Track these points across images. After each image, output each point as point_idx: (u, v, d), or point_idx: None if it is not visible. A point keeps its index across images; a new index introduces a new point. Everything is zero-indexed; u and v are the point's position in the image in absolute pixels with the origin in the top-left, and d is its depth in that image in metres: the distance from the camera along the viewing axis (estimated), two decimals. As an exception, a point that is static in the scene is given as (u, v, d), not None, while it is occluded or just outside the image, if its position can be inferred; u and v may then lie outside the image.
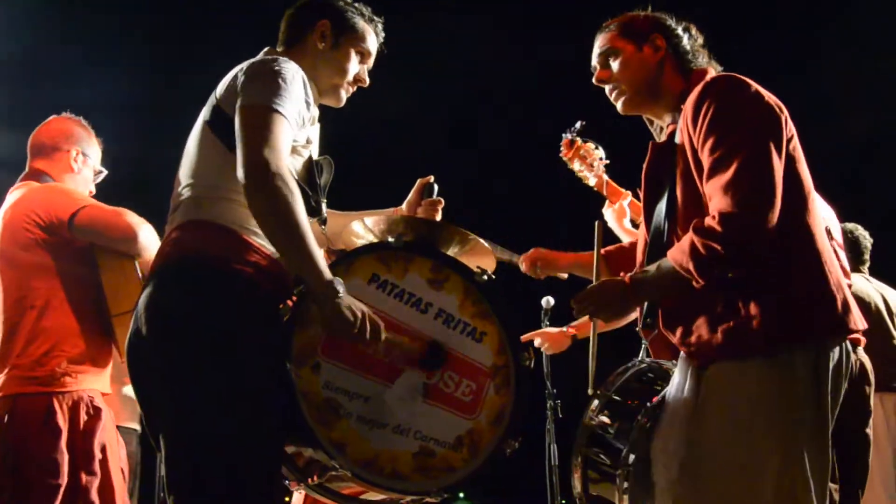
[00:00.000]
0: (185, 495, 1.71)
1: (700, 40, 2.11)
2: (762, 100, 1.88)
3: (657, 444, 1.87)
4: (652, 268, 1.90)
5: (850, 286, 2.01)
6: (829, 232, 1.98)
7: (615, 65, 2.08)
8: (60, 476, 2.37)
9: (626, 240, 2.78)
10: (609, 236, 2.80)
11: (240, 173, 1.73)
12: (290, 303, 1.83)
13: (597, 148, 2.94)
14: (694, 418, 1.83)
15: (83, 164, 2.76)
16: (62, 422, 2.41)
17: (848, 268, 2.62)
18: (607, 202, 2.98)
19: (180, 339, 1.75)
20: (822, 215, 1.98)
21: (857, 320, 1.84)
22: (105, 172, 2.86)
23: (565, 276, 2.71)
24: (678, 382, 1.90)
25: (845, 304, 1.83)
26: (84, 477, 2.42)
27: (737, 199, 1.74)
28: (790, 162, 1.85)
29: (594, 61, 2.14)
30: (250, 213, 1.79)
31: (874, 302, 3.55)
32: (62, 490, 2.37)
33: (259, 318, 1.79)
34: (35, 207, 2.51)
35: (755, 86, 1.90)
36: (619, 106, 2.11)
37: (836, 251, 2.11)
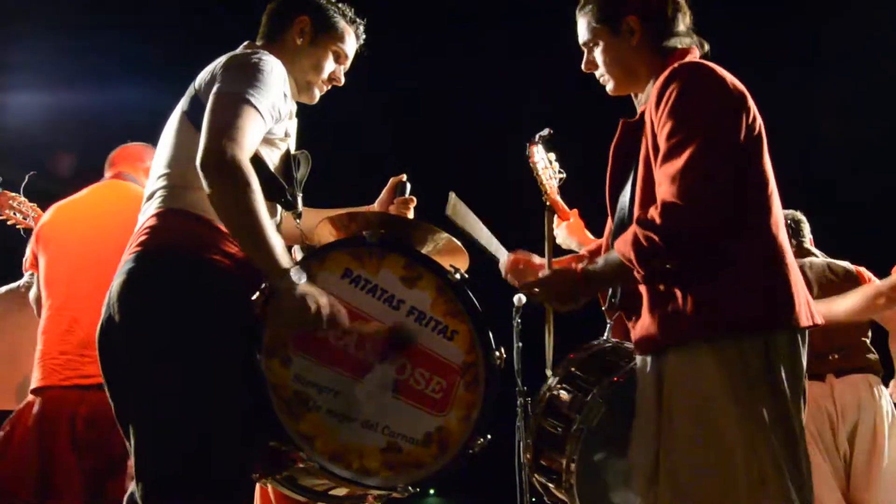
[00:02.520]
0: (151, 483, 1.67)
1: (684, 16, 2.01)
2: (725, 89, 1.81)
3: (633, 452, 1.83)
4: (602, 259, 1.88)
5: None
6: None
7: (596, 54, 2.03)
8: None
9: (582, 250, 2.74)
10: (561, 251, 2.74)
11: (197, 159, 1.68)
12: (262, 294, 1.75)
13: (552, 162, 2.89)
14: (662, 426, 1.78)
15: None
16: None
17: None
18: (556, 219, 2.93)
19: (151, 327, 1.71)
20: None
21: (806, 316, 1.79)
22: None
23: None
24: (641, 384, 1.86)
25: (793, 297, 1.78)
26: None
27: (681, 190, 1.68)
28: (751, 152, 1.80)
29: (581, 44, 2.08)
30: None
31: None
32: None
33: (230, 307, 1.74)
34: None
35: (721, 74, 1.83)
36: (608, 90, 2.06)
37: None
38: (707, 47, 2.02)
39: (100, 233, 2.60)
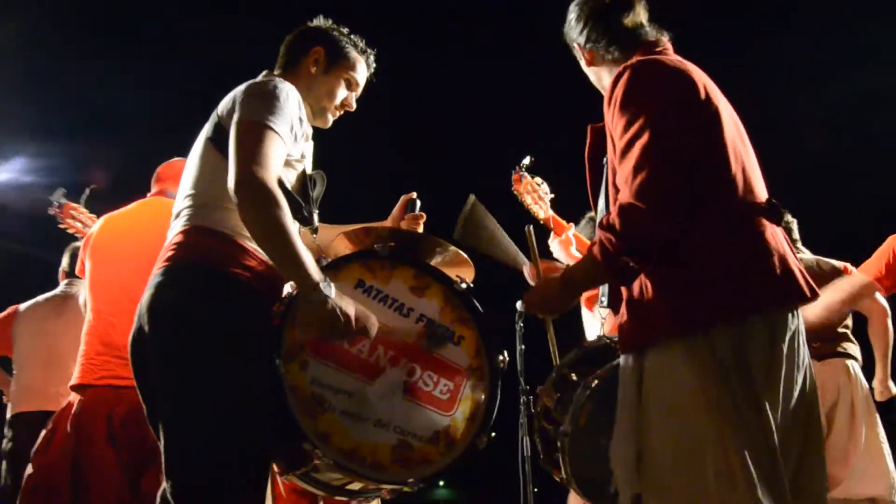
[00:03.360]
0: (180, 479, 1.75)
1: (633, 14, 2.00)
2: (668, 81, 1.82)
3: (613, 448, 1.83)
4: (580, 263, 1.91)
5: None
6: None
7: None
8: None
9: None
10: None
11: (230, 184, 1.76)
12: (281, 304, 1.85)
13: (540, 184, 2.99)
14: (640, 418, 1.78)
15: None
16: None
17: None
18: (552, 234, 3.02)
19: (178, 336, 1.79)
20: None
21: (785, 295, 1.76)
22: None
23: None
24: (622, 382, 1.86)
25: (766, 279, 1.74)
26: None
27: (633, 190, 1.70)
28: (705, 137, 1.78)
29: None
30: None
31: None
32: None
33: (252, 317, 1.83)
34: None
35: (665, 67, 1.84)
36: None
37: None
38: (664, 37, 2.00)
39: (139, 245, 2.68)
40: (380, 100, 2.29)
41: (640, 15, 2.02)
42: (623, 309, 1.85)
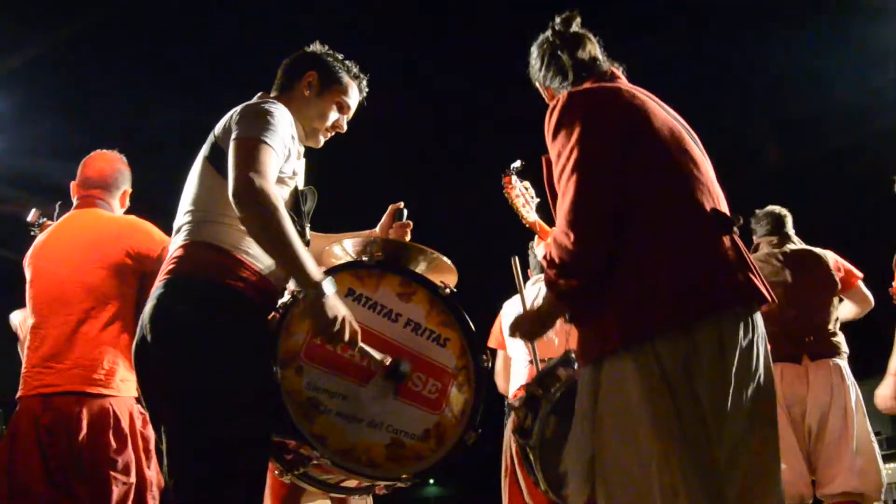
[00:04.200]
0: (183, 479, 1.81)
1: (582, 48, 2.07)
2: (587, 109, 1.86)
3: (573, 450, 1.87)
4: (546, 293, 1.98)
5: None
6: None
7: None
8: (131, 474, 2.55)
9: None
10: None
11: (230, 193, 1.83)
12: (277, 313, 1.92)
13: (528, 188, 3.07)
14: (595, 429, 1.80)
15: (125, 201, 3.01)
16: (126, 426, 2.59)
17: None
18: (537, 238, 3.09)
19: (180, 345, 1.85)
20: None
21: (734, 296, 1.75)
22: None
23: None
24: (579, 393, 1.89)
25: (709, 282, 1.75)
26: (146, 473, 2.60)
27: (561, 221, 1.79)
28: (634, 153, 1.82)
29: None
30: (242, 235, 1.91)
31: (782, 276, 3.67)
32: (133, 486, 2.55)
33: (249, 326, 1.90)
34: (127, 237, 2.73)
35: (595, 94, 1.91)
36: None
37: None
38: (617, 68, 2.08)
39: (62, 257, 2.75)
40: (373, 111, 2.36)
41: (592, 50, 2.10)
42: (579, 325, 1.92)
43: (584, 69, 2.06)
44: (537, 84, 2.20)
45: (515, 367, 3.57)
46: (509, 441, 3.39)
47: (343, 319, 1.85)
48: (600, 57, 2.09)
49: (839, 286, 3.70)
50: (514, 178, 3.02)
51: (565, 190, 1.78)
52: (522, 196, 3.04)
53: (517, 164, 2.96)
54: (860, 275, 3.76)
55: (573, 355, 2.20)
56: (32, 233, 3.14)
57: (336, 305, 1.84)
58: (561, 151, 1.83)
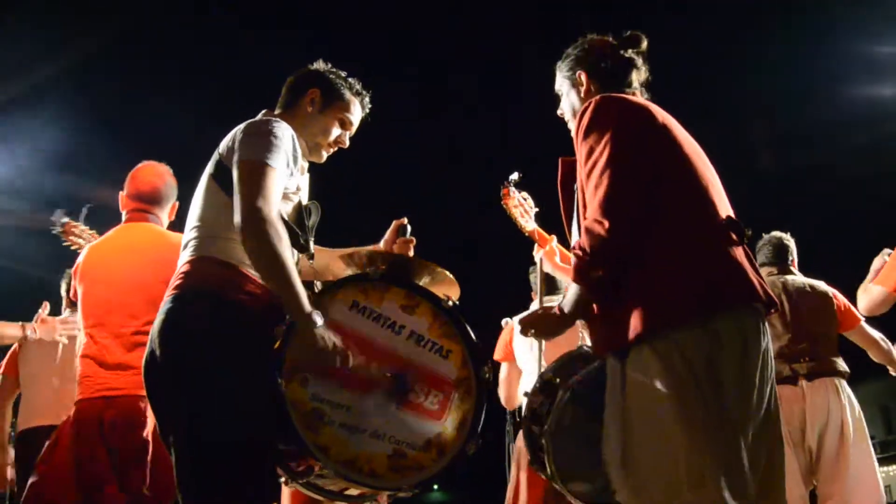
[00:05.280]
0: (191, 491, 1.83)
1: (637, 72, 2.18)
2: (624, 113, 1.96)
3: (603, 438, 1.91)
4: (568, 289, 2.04)
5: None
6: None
7: (563, 103, 2.29)
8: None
9: (559, 276, 2.93)
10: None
11: (236, 219, 1.87)
12: (283, 326, 1.94)
13: (526, 199, 3.12)
14: (625, 419, 1.86)
15: (174, 213, 3.06)
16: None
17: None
18: (536, 246, 3.13)
19: (187, 359, 1.88)
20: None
21: (749, 293, 1.84)
22: None
23: None
24: (609, 384, 1.93)
25: (727, 277, 1.83)
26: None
27: (598, 210, 1.85)
28: (660, 161, 1.91)
29: (556, 92, 2.33)
30: None
31: (781, 301, 3.68)
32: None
33: (255, 339, 1.92)
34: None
35: (626, 102, 1.99)
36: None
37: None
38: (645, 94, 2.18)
39: (121, 270, 2.82)
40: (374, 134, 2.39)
41: (637, 77, 2.19)
42: (601, 318, 1.95)
43: (625, 86, 2.15)
44: (569, 72, 2.24)
45: (526, 379, 3.56)
46: (518, 448, 3.41)
47: (333, 346, 1.91)
48: (638, 86, 2.18)
49: (838, 318, 3.72)
50: (511, 189, 3.06)
51: (599, 182, 1.85)
52: (521, 206, 3.09)
53: (514, 175, 3.00)
54: (861, 317, 3.74)
55: (586, 349, 2.21)
56: (53, 230, 3.18)
57: (325, 334, 1.89)
58: (594, 146, 1.90)
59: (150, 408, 2.00)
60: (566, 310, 2.02)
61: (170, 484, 2.49)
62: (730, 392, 1.76)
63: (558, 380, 2.12)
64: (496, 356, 3.74)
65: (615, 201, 1.82)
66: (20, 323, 3.32)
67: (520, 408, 3.71)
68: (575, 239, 2.10)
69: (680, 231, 1.87)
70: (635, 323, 1.82)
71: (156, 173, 3.02)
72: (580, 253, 1.87)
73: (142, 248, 2.85)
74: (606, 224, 1.82)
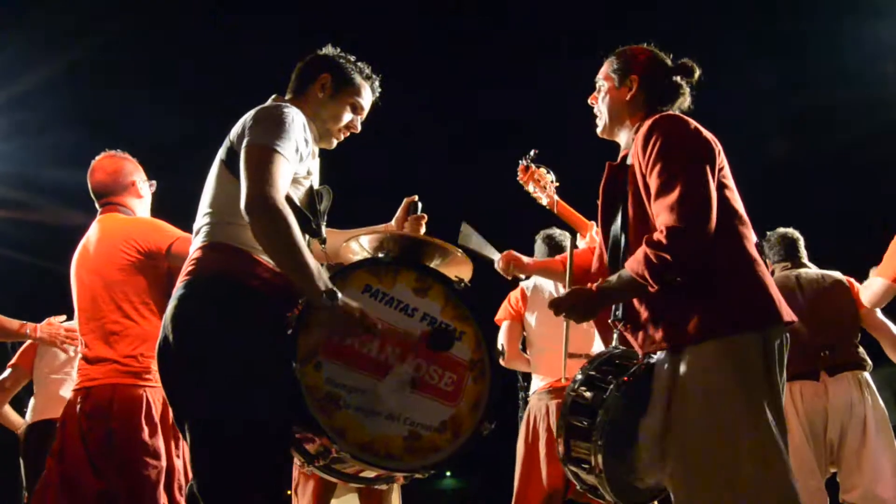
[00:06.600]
0: (206, 474, 1.83)
1: (683, 98, 2.23)
2: (699, 135, 2.05)
3: (642, 424, 1.98)
4: (614, 277, 2.05)
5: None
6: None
7: (600, 95, 2.26)
8: (161, 459, 2.62)
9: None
10: None
11: (242, 205, 1.85)
12: (296, 311, 1.92)
13: (548, 172, 3.12)
14: (675, 402, 1.94)
15: (142, 187, 3.01)
16: (156, 413, 2.66)
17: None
18: (578, 235, 3.15)
19: (200, 344, 1.86)
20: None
21: (787, 312, 2.00)
22: (155, 182, 3.10)
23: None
24: (657, 378, 2.01)
25: (777, 299, 1.99)
26: (175, 461, 2.67)
27: (679, 215, 1.91)
28: (721, 187, 2.02)
29: (596, 80, 2.31)
30: None
31: (798, 296, 3.67)
32: (163, 470, 2.62)
33: (268, 324, 1.90)
34: (135, 236, 2.78)
35: (694, 123, 2.08)
36: (597, 129, 2.29)
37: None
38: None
39: (89, 267, 2.83)
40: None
41: (682, 103, 2.23)
42: (656, 317, 2.03)
43: (669, 108, 2.20)
44: (610, 72, 2.23)
45: (541, 354, 3.54)
46: (532, 421, 3.41)
47: (360, 313, 1.89)
48: (678, 112, 2.22)
49: (857, 303, 3.67)
50: (528, 165, 3.06)
51: (681, 193, 1.93)
52: (542, 179, 3.09)
53: (532, 153, 3.01)
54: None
55: (622, 348, 2.23)
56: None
57: (348, 304, 1.88)
58: (674, 162, 1.97)
59: (165, 394, 1.98)
60: (610, 296, 2.06)
61: (142, 475, 2.55)
62: (776, 387, 1.93)
63: (602, 376, 2.12)
64: (498, 317, 3.70)
65: (698, 213, 1.91)
66: (21, 322, 3.32)
67: (527, 386, 3.70)
68: (615, 239, 2.13)
69: (736, 246, 2.01)
70: (697, 324, 1.93)
71: (101, 166, 3.01)
72: (659, 252, 1.91)
73: (98, 240, 2.87)
74: (689, 230, 1.90)
